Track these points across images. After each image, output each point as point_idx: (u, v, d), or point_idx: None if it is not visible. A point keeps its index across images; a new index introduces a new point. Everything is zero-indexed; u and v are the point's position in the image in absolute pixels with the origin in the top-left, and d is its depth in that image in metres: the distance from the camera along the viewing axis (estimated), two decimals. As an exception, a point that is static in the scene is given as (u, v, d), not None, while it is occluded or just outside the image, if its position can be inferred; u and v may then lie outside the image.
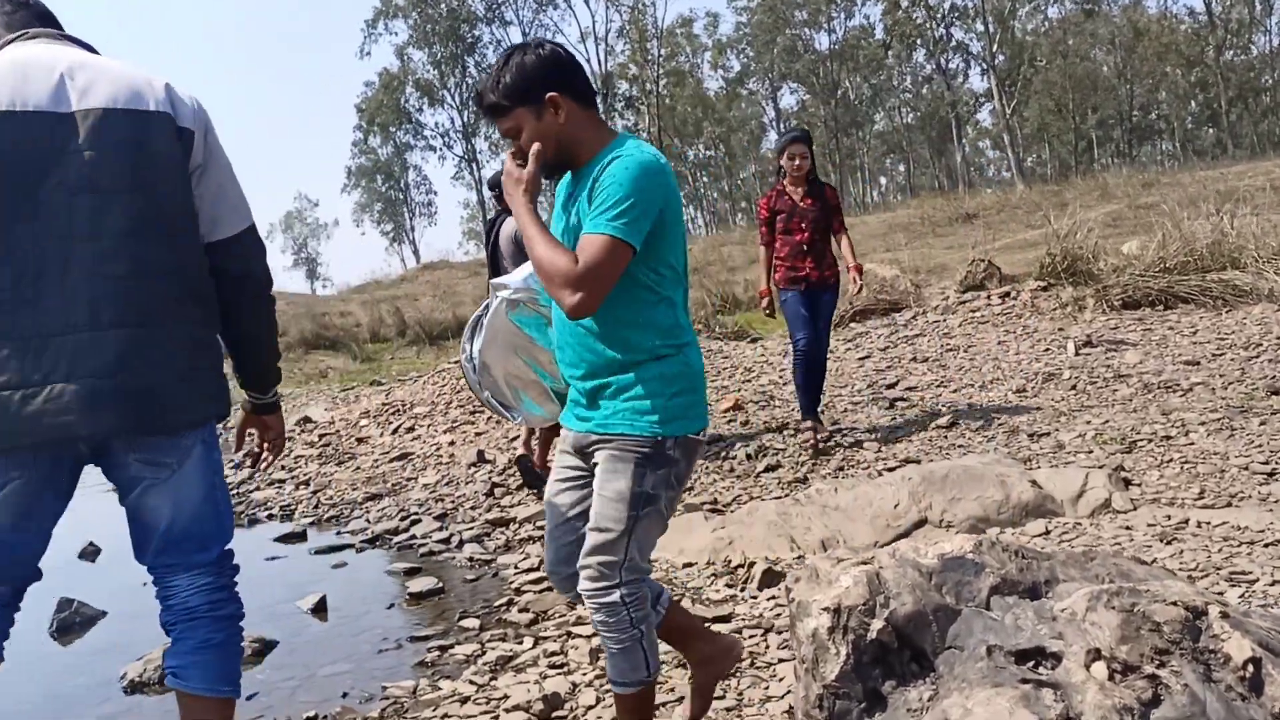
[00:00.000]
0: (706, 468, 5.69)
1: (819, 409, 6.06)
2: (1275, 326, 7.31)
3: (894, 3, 47.30)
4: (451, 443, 7.50)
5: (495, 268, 5.93)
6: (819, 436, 5.79)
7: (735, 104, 59.56)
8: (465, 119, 56.14)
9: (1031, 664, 1.58)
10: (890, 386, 7.15)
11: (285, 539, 5.81)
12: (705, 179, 67.76)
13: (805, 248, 5.82)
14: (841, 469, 5.33)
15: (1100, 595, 1.60)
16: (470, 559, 4.90)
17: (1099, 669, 1.51)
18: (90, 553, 5.82)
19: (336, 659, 3.69)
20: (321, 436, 8.64)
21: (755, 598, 3.66)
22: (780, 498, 4.89)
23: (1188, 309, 8.11)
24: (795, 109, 60.12)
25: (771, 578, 3.80)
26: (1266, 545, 3.47)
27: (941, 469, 4.57)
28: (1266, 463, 4.42)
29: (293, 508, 6.61)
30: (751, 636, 3.20)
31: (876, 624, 1.71)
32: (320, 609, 4.33)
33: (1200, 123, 56.61)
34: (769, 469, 5.49)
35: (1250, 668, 1.45)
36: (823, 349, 5.96)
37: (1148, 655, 1.50)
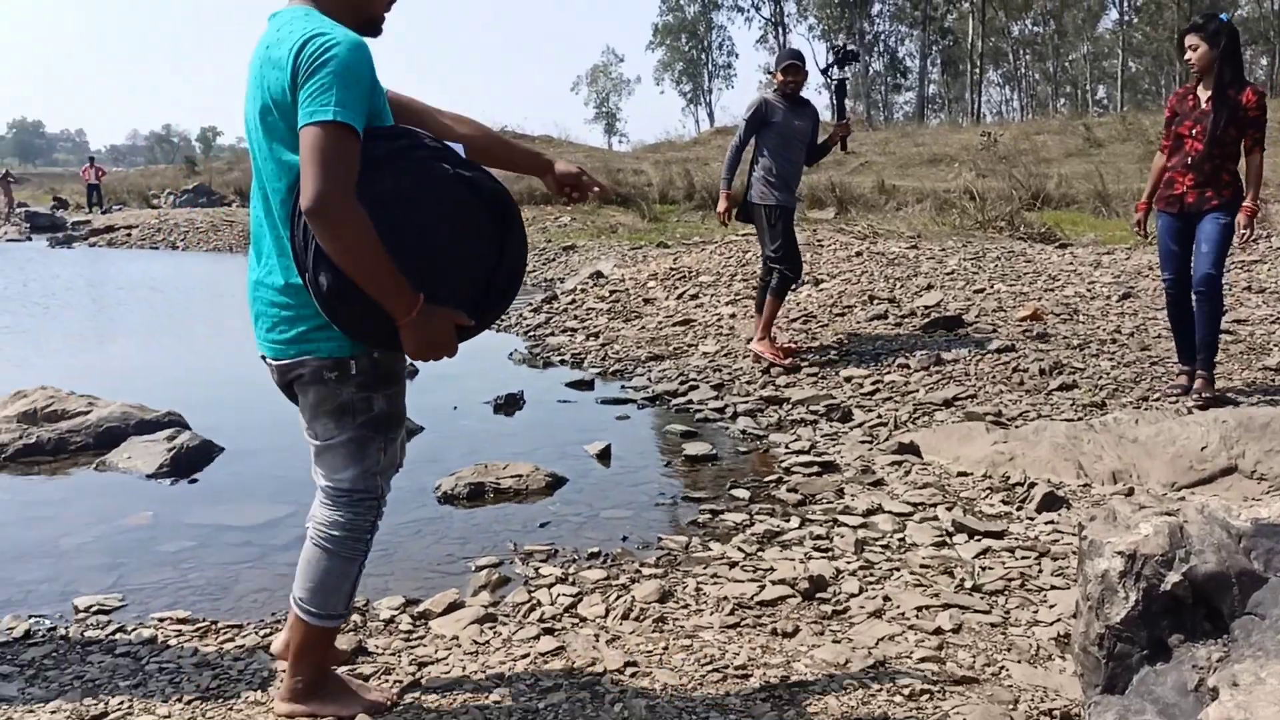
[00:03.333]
0: (993, 377, 5.53)
1: (1211, 360, 5.04)
2: None
3: None
4: (733, 315, 7.69)
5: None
6: (1196, 393, 4.99)
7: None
8: (777, -22, 54.42)
9: (1344, 649, 1.51)
10: (1214, 315, 6.52)
11: (575, 385, 6.28)
12: (1028, 57, 62.21)
13: (1190, 161, 4.95)
14: (1145, 399, 5.00)
15: None
16: (743, 431, 5.09)
17: None
18: (411, 373, 6.58)
19: (618, 505, 4.03)
20: (611, 293, 9.11)
21: (1033, 519, 3.60)
22: (1072, 420, 4.69)
23: None
24: (1149, -15, 53.28)
25: (1052, 501, 3.71)
26: None
27: (1263, 415, 4.19)
28: None
29: (582, 357, 7.10)
30: (1025, 558, 3.17)
31: (1173, 576, 1.69)
32: (605, 456, 4.70)
33: None
34: (1063, 388, 5.25)
35: None
36: (1211, 286, 4.91)
37: None
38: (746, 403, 5.59)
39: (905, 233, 10.74)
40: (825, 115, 7.94)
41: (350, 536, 2.19)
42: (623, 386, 6.26)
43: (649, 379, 6.34)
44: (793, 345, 6.53)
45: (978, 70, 49.24)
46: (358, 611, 2.90)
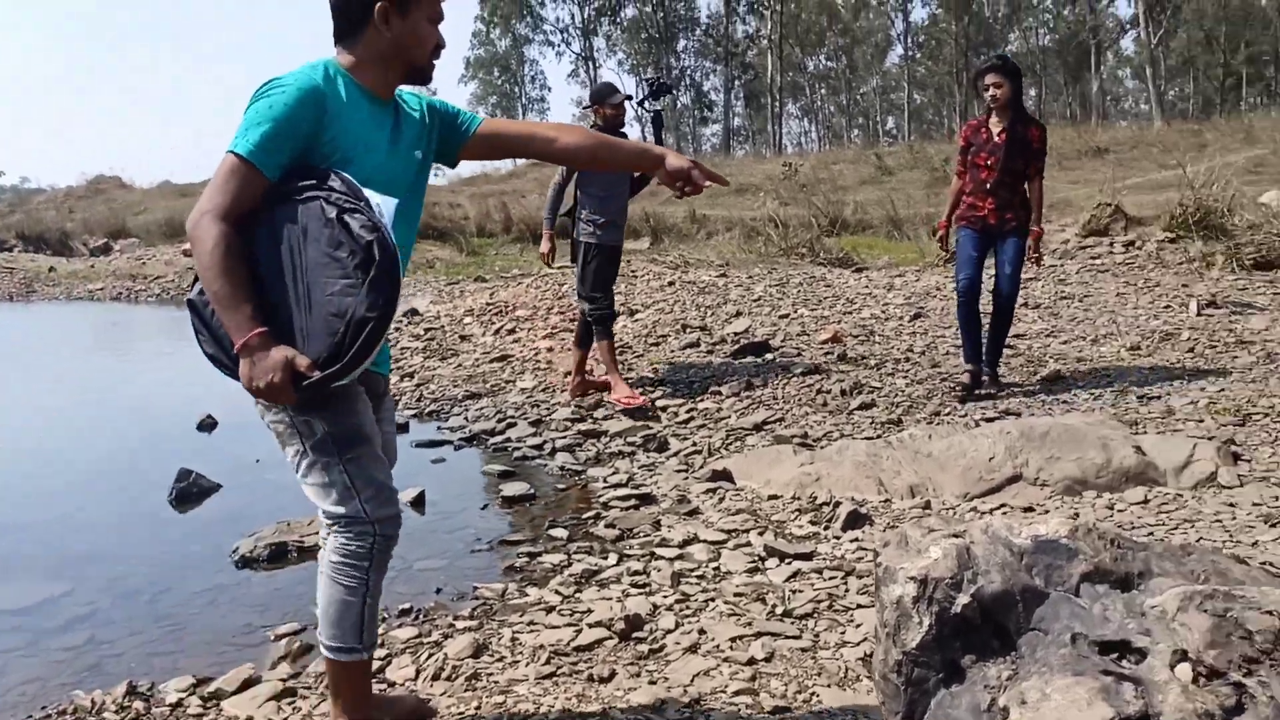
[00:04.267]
0: (799, 399, 5.70)
1: (996, 361, 5.74)
2: None
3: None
4: (550, 349, 7.64)
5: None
6: (972, 384, 5.56)
7: (863, 14, 57.29)
8: (586, 15, 55.47)
9: (1115, 657, 1.59)
10: (996, 331, 6.98)
11: (388, 430, 6.04)
12: (823, 91, 65.73)
13: (987, 187, 5.48)
14: (938, 414, 5.27)
15: (1193, 596, 1.59)
16: (562, 468, 5.04)
17: (1184, 671, 1.51)
18: (208, 425, 6.18)
19: (432, 554, 3.88)
20: (427, 330, 8.90)
21: (838, 538, 3.70)
22: (872, 438, 4.89)
23: (1327, 274, 7.67)
24: (925, 23, 57.54)
25: (856, 519, 3.83)
26: (1380, 539, 3.35)
27: (1042, 425, 4.49)
28: (1391, 450, 4.21)
29: (396, 399, 6.86)
30: (832, 578, 3.25)
31: (962, 599, 1.74)
32: (419, 503, 4.54)
33: (1367, 65, 52.21)
34: (863, 407, 5.47)
35: (1343, 689, 1.43)
36: (1012, 302, 5.62)
37: (1236, 663, 1.50)
38: (565, 438, 5.55)
39: (715, 261, 11.03)
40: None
41: (344, 563, 2.14)
42: (439, 428, 6.09)
43: (466, 418, 6.20)
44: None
45: (778, 103, 51.52)
46: (140, 698, 2.65)
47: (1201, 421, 4.80)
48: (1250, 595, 1.61)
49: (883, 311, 7.79)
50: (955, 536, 1.83)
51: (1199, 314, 6.97)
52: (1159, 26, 44.46)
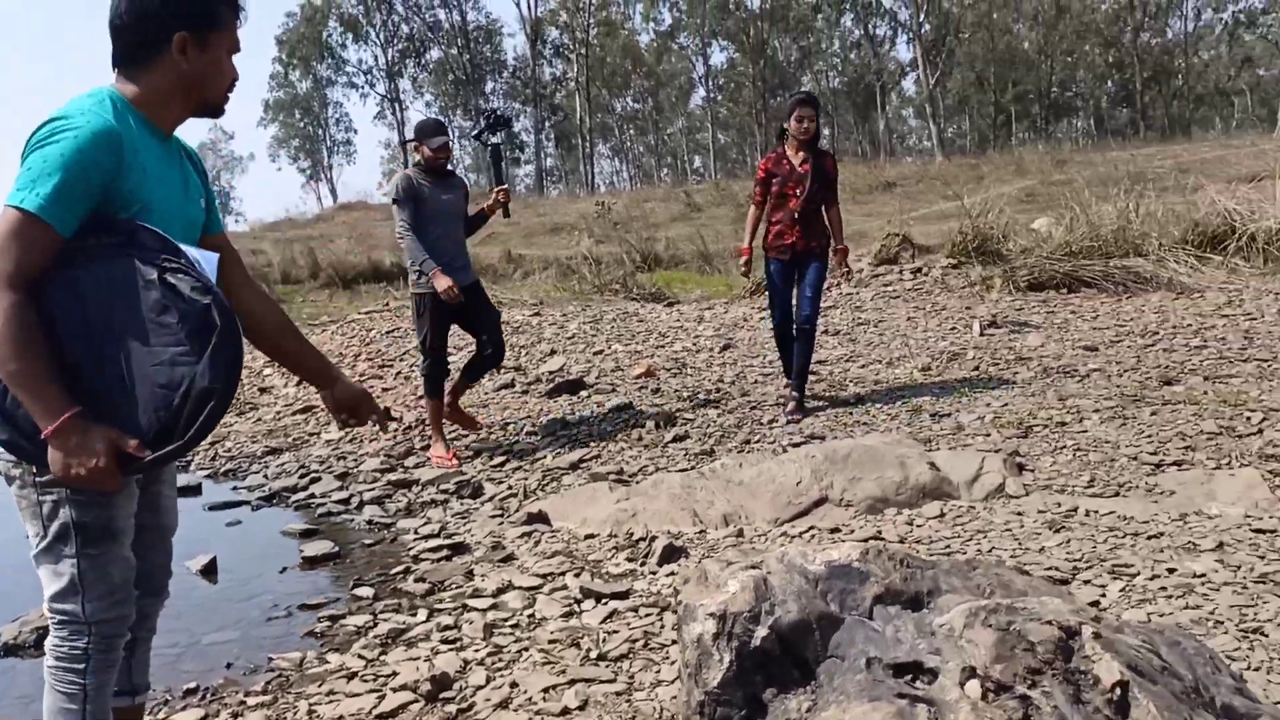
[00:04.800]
0: (615, 436, 5.68)
1: (803, 385, 5.93)
2: (1171, 315, 7.58)
3: (826, -35, 47.35)
4: (358, 396, 7.33)
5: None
6: (790, 414, 5.74)
7: (665, 58, 59.12)
8: (390, 57, 54.78)
9: (909, 678, 1.60)
10: (801, 358, 7.21)
11: (180, 491, 5.61)
12: (632, 132, 67.30)
13: (796, 215, 5.71)
14: (748, 443, 5.36)
15: (978, 612, 1.63)
16: (370, 522, 4.82)
17: (973, 687, 1.53)
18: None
19: (223, 625, 3.59)
20: (222, 384, 8.37)
21: (655, 573, 3.67)
22: (687, 470, 4.91)
23: (1090, 293, 8.36)
24: (724, 66, 59.95)
25: (672, 553, 3.81)
26: (1149, 538, 3.60)
27: (844, 448, 4.63)
28: (1155, 453, 4.57)
29: (188, 459, 6.40)
30: (648, 615, 3.20)
31: (761, 631, 1.71)
32: (210, 570, 4.21)
33: (1115, 102, 58.15)
34: (677, 439, 5.50)
35: (1118, 691, 1.48)
36: (813, 325, 5.85)
37: (1021, 675, 1.53)
38: (373, 490, 5.31)
39: (529, 300, 10.95)
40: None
41: (60, 667, 1.93)
42: (235, 488, 5.71)
43: (266, 476, 5.83)
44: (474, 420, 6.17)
45: (588, 144, 52.30)
46: None
47: (988, 435, 5.08)
48: (1031, 607, 1.66)
49: (694, 344, 7.92)
50: (753, 568, 1.81)
51: (981, 334, 7.43)
52: (936, 69, 48.06)
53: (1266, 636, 2.71)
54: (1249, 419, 4.88)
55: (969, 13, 50.62)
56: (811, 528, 4.10)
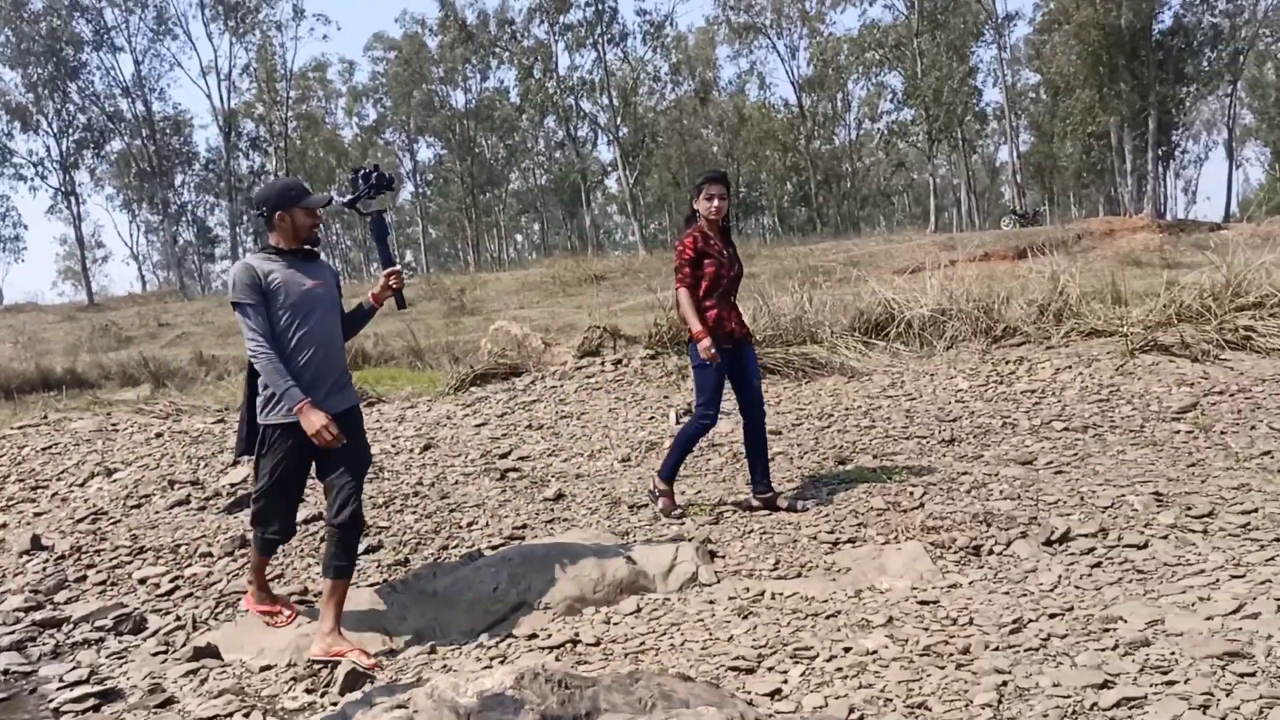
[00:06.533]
0: (301, 550, 5.27)
1: (767, 476, 5.47)
2: (844, 398, 8.22)
3: (526, 69, 49.18)
4: (3, 525, 6.39)
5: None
6: (767, 502, 5.37)
7: (371, 152, 58.51)
8: (64, 148, 50.55)
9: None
10: (504, 456, 7.11)
11: None
12: (338, 227, 65.67)
13: (731, 299, 5.38)
14: (445, 547, 5.15)
15: (634, 731, 1.56)
16: (5, 672, 4.13)
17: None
18: None
19: None
20: None
21: (336, 704, 3.36)
22: (378, 584, 4.61)
23: (774, 379, 8.91)
24: (433, 162, 60.24)
25: (356, 679, 3.53)
26: (828, 617, 3.77)
27: (541, 548, 4.55)
28: (832, 532, 4.84)
29: None
30: (320, 757, 2.91)
31: (405, 780, 1.55)
32: None
33: (795, 202, 64.07)
34: (370, 550, 5.18)
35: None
36: (760, 404, 5.50)
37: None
38: (14, 632, 4.57)
39: (213, 406, 10.14)
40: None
41: None
42: None
43: None
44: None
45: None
46: None
47: (684, 523, 5.19)
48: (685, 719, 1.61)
49: (393, 445, 7.60)
50: (399, 708, 1.65)
51: (677, 422, 7.69)
52: (635, 169, 50.89)
53: (930, 711, 2.87)
54: (911, 493, 5.32)
55: (662, 118, 54.26)
56: (509, 636, 3.96)
